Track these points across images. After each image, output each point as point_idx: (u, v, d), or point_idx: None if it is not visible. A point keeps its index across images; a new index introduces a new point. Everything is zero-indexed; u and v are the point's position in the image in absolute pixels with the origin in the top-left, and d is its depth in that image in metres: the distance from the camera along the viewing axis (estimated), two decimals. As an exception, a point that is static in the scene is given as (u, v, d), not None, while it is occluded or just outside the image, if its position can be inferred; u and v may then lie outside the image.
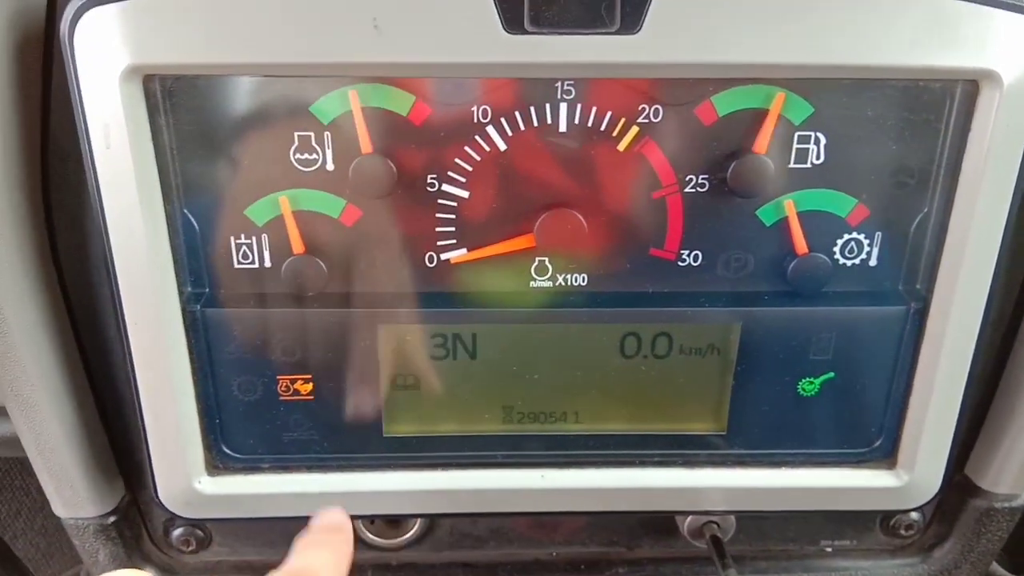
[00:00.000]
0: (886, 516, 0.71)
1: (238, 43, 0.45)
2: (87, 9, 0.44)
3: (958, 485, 0.68)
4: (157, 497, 0.59)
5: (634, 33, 0.45)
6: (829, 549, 0.72)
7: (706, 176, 0.52)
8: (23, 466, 1.07)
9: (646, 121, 0.51)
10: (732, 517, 0.68)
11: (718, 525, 0.67)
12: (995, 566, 0.79)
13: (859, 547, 0.72)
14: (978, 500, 0.68)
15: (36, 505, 1.13)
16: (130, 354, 0.53)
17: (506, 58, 0.46)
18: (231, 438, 0.59)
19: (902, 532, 0.71)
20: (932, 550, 0.72)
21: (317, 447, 0.59)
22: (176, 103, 0.49)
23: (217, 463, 0.59)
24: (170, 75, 0.48)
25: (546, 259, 0.55)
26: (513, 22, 0.45)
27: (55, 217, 0.56)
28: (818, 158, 0.52)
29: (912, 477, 0.60)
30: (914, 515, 0.70)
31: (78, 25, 0.44)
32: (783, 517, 0.71)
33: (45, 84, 0.53)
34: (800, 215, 0.53)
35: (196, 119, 0.50)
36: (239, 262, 0.54)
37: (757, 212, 0.53)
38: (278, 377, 0.57)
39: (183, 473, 0.57)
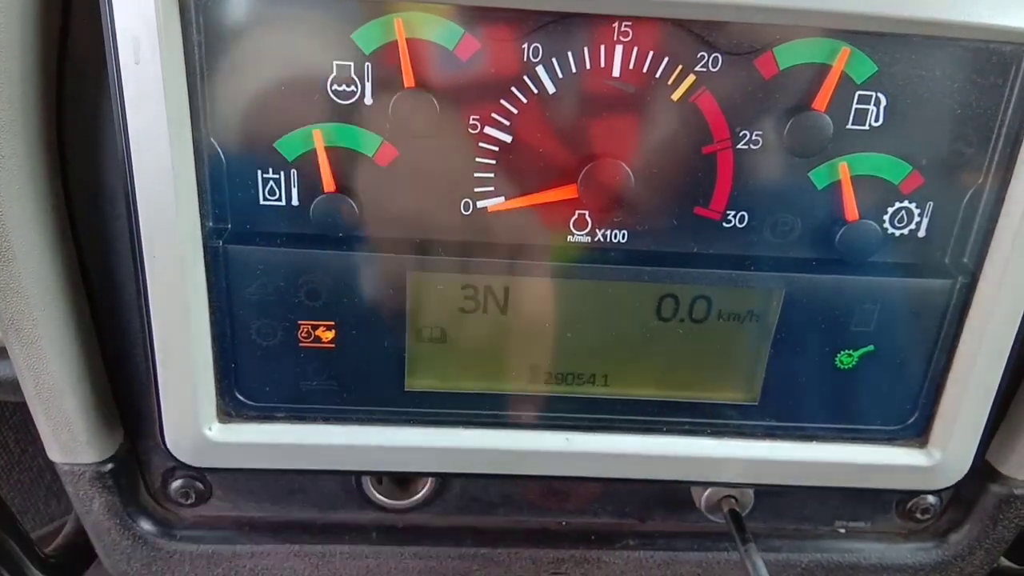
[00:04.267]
0: (903, 499, 0.70)
1: (283, -43, 0.42)
2: (124, -92, 0.41)
3: (978, 470, 0.67)
4: (163, 444, 0.56)
5: (706, -30, 0.43)
6: (843, 530, 0.71)
7: (760, 133, 0.50)
8: (0, 417, 1.04)
9: (703, 70, 0.49)
10: (750, 492, 0.66)
11: (736, 499, 0.66)
12: (1003, 559, 0.78)
13: (873, 529, 0.71)
14: (997, 486, 0.68)
15: (13, 458, 1.10)
16: (145, 289, 0.50)
17: (570, -11, 0.43)
18: (246, 384, 0.56)
19: (918, 516, 0.70)
20: (947, 535, 0.71)
21: (335, 398, 0.56)
22: (211, 20, 0.46)
23: (229, 410, 0.56)
24: (207, -12, 0.45)
25: (587, 213, 0.53)
26: (580, -50, 0.42)
27: (67, 141, 0.53)
28: (876, 120, 0.50)
29: (943, 457, 0.58)
30: (931, 499, 0.70)
31: (113, -75, 0.41)
32: (799, 496, 0.69)
33: (67, -7, 0.49)
34: (853, 179, 0.51)
35: (231, 40, 0.46)
36: (265, 198, 0.51)
37: (809, 174, 0.51)
38: (299, 322, 0.54)
39: (193, 419, 0.55)
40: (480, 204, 0.52)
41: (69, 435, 0.60)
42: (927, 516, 0.70)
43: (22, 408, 0.62)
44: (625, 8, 0.46)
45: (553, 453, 0.58)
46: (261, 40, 0.47)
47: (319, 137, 0.49)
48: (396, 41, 0.47)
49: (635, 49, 0.48)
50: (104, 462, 0.62)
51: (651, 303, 0.55)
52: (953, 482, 0.60)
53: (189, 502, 0.67)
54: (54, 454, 0.62)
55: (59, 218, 0.54)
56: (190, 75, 0.46)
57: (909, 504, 0.70)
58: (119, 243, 0.56)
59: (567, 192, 0.51)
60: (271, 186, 0.51)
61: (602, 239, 0.54)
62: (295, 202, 0.51)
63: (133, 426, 0.63)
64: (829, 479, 0.60)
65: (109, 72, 0.45)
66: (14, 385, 0.60)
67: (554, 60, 0.48)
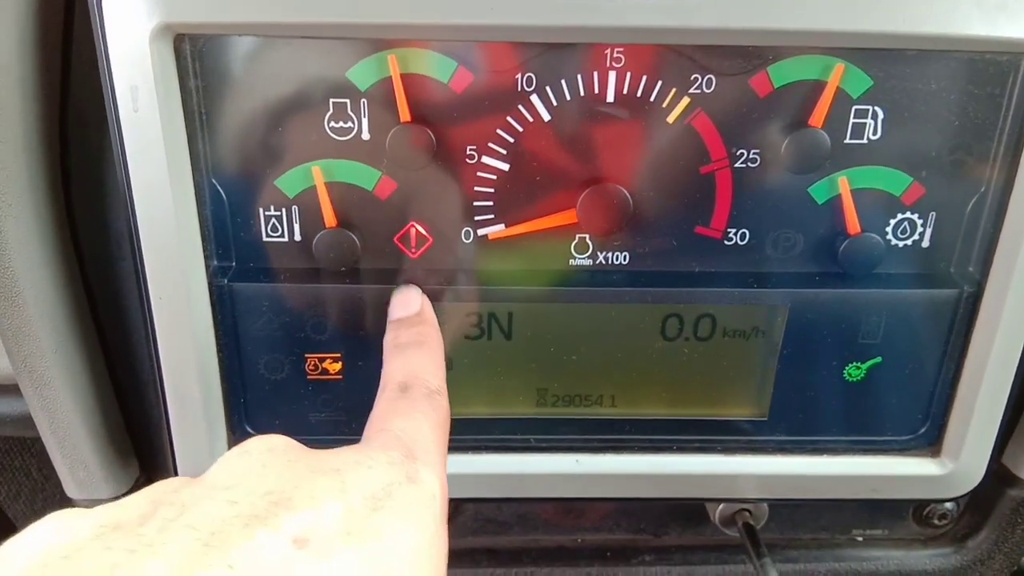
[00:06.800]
0: (919, 505, 0.69)
1: (274, 1, 0.43)
2: (116, -38, 0.42)
3: (994, 474, 0.66)
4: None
5: (694, -4, 0.43)
6: (860, 539, 0.71)
7: (758, 151, 0.50)
8: (23, 446, 1.05)
9: (698, 92, 0.49)
10: (765, 505, 0.66)
11: (750, 513, 0.66)
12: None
13: (891, 537, 0.71)
14: (1015, 490, 0.67)
15: (36, 486, 1.11)
16: (153, 330, 0.51)
17: (558, 20, 0.43)
18: (256, 418, 0.56)
19: (935, 522, 0.70)
20: (965, 540, 0.70)
21: (345, 428, 0.57)
22: (207, 65, 0.46)
23: (241, 444, 0.57)
24: (202, 35, 0.45)
25: (587, 236, 0.53)
26: (568, -18, 0.43)
27: (73, 186, 0.54)
28: (875, 133, 0.50)
29: (956, 466, 0.58)
30: (948, 504, 0.69)
31: (107, -20, 0.42)
32: (815, 506, 0.69)
33: (66, 44, 0.50)
34: (853, 193, 0.51)
35: (228, 83, 0.47)
36: (268, 235, 0.52)
37: (809, 189, 0.51)
38: (306, 355, 0.55)
39: (205, 455, 0.55)
40: (481, 232, 0.52)
41: (85, 472, 0.61)
42: (945, 522, 0.70)
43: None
44: (616, 37, 0.46)
45: (564, 475, 0.58)
46: (258, 81, 0.47)
47: (318, 174, 0.50)
48: (390, 77, 0.47)
49: (628, 74, 0.48)
50: (121, 496, 0.63)
51: (656, 323, 0.55)
52: (967, 490, 0.60)
53: (207, 532, 0.67)
54: (71, 491, 0.63)
55: (68, 261, 0.55)
56: (189, 120, 0.47)
57: (926, 511, 0.69)
58: (127, 283, 0.56)
59: (567, 217, 0.51)
60: (273, 223, 0.51)
61: (604, 262, 0.54)
62: (297, 238, 0.52)
63: (148, 460, 0.64)
64: (843, 491, 0.60)
65: (109, 121, 0.46)
66: (31, 421, 0.61)
67: (548, 88, 0.48)
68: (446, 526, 0.37)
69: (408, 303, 0.50)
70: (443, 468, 0.39)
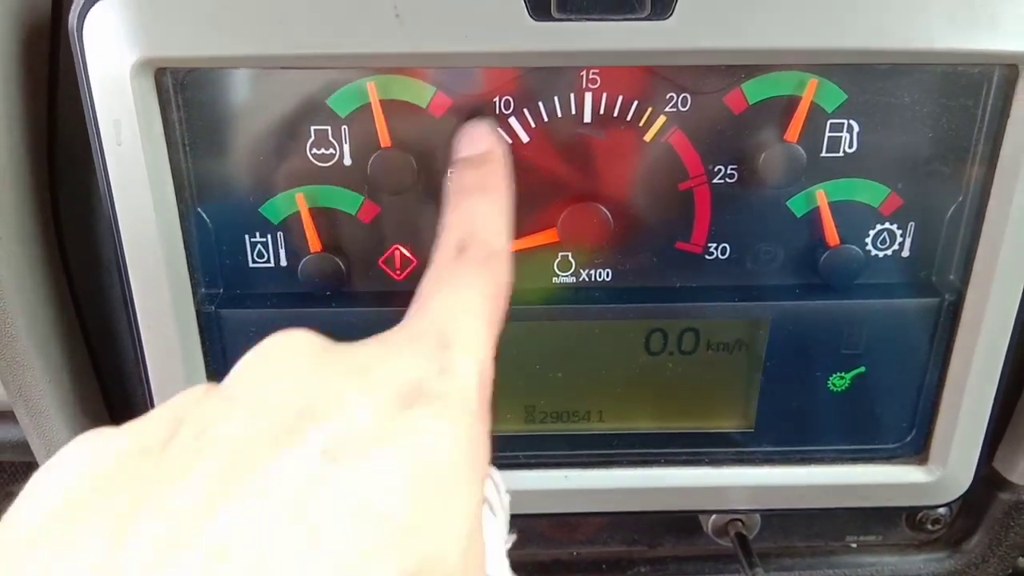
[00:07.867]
0: (912, 511, 0.70)
1: (253, 34, 0.43)
2: (97, 0, 0.42)
3: (986, 478, 0.67)
4: (172, 504, 0.57)
5: (665, 19, 0.44)
6: (854, 545, 0.71)
7: (735, 166, 0.51)
8: (29, 470, 1.06)
9: (673, 110, 0.49)
10: (757, 515, 0.66)
11: (743, 522, 0.66)
12: (1020, 560, 0.77)
13: (885, 542, 0.71)
14: (1007, 493, 0.67)
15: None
16: (143, 358, 0.52)
17: (532, 46, 0.44)
18: (247, 442, 0.57)
19: (929, 527, 0.70)
20: (959, 544, 0.71)
21: (336, 450, 0.57)
22: (189, 97, 0.47)
23: (233, 468, 0.57)
24: (183, 68, 0.46)
25: (569, 254, 0.54)
26: (539, 8, 0.43)
27: (64, 219, 0.55)
28: (851, 146, 0.50)
29: (944, 472, 0.58)
30: (941, 509, 0.69)
31: (87, 17, 0.43)
32: (808, 514, 0.69)
33: (52, 79, 0.51)
34: (832, 205, 0.52)
35: (210, 114, 0.48)
36: (254, 261, 0.52)
37: (787, 203, 0.52)
38: (295, 379, 0.55)
39: (198, 478, 0.56)
40: (464, 253, 0.53)
41: (82, 498, 0.61)
42: (938, 527, 0.70)
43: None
44: (592, 60, 0.46)
45: (553, 491, 0.58)
46: (240, 111, 0.48)
47: (302, 200, 0.50)
48: (370, 104, 0.48)
49: (604, 95, 0.49)
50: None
51: (640, 338, 0.56)
52: (956, 496, 0.60)
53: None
54: (69, 516, 0.63)
55: (60, 291, 0.55)
56: (172, 151, 0.48)
57: (919, 516, 0.70)
58: (119, 312, 0.57)
59: (548, 236, 0.52)
60: (259, 249, 0.52)
61: (587, 279, 0.54)
62: (283, 263, 0.52)
63: (144, 484, 0.65)
64: (832, 500, 0.60)
65: (94, 154, 0.46)
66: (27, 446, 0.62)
67: (526, 111, 0.49)
68: (487, 416, 0.32)
69: (475, 139, 0.45)
70: (487, 350, 0.34)
